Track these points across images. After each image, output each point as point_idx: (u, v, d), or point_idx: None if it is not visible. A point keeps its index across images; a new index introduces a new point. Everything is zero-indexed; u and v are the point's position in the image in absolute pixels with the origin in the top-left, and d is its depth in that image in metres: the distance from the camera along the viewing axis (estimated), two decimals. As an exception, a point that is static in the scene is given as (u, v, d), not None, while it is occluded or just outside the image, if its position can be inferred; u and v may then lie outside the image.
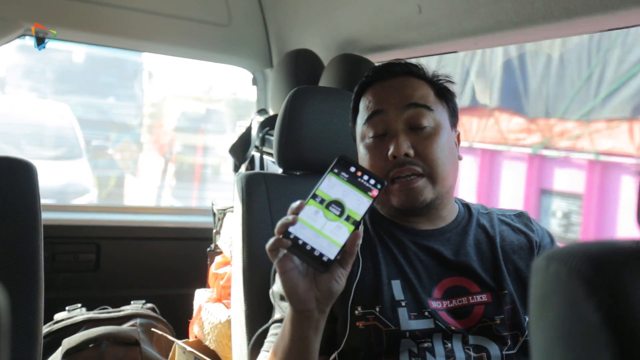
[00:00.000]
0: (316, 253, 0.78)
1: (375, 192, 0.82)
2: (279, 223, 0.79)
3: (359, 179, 0.83)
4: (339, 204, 0.81)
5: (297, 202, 0.80)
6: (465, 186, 4.54)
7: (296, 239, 0.78)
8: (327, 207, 0.81)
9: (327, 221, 0.80)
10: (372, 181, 0.83)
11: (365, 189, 0.83)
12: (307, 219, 0.79)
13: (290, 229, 0.78)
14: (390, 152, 0.99)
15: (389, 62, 1.09)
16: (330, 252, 0.78)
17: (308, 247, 0.78)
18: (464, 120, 4.32)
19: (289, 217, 0.79)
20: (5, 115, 5.40)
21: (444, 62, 4.06)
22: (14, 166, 1.19)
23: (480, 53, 4.38)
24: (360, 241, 0.80)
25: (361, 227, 1.04)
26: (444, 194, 1.02)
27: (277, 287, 1.00)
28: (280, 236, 0.78)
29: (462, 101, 4.53)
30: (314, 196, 0.81)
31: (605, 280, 0.37)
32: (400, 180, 0.99)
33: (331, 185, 0.82)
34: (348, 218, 0.80)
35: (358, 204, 0.81)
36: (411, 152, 0.99)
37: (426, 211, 1.02)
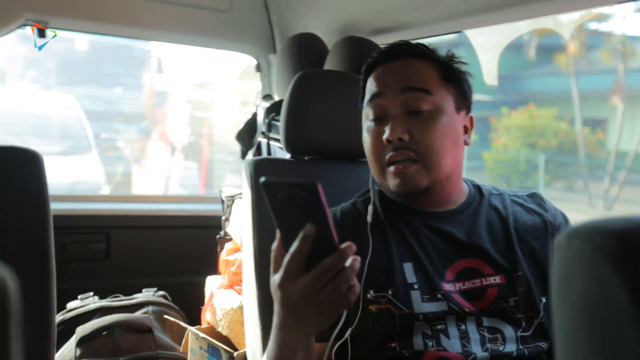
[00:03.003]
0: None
1: None
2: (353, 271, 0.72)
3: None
4: None
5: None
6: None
7: None
8: None
9: None
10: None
11: None
12: None
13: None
14: (385, 137, 0.99)
15: (394, 43, 1.08)
16: None
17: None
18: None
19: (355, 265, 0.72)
20: (8, 108, 5.18)
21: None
22: (20, 156, 1.19)
23: None
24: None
25: (370, 210, 1.04)
26: (443, 180, 1.00)
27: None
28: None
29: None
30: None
31: (631, 256, 0.36)
32: (395, 165, 0.99)
33: None
34: None
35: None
36: (406, 136, 0.98)
37: (424, 196, 1.01)
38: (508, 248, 0.99)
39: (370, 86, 1.05)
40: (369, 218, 1.03)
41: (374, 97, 1.03)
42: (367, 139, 1.05)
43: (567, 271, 0.40)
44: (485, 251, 0.99)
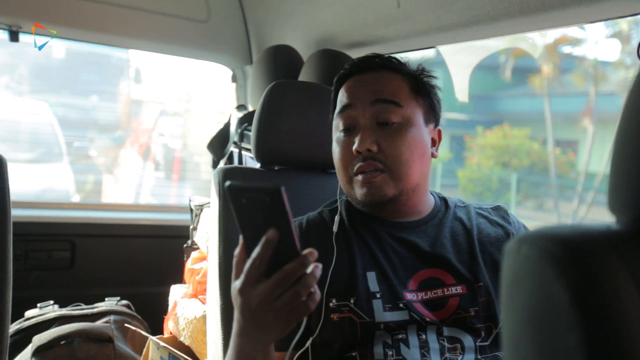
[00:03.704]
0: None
1: None
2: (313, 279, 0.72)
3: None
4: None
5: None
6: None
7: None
8: None
9: None
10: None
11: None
12: None
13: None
14: (354, 147, 1.00)
15: (365, 55, 1.09)
16: None
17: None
18: None
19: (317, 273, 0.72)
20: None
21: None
22: None
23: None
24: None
25: (336, 220, 1.04)
26: (409, 190, 1.01)
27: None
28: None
29: None
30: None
31: (574, 261, 0.37)
32: (363, 175, 1.00)
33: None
34: None
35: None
36: (374, 147, 0.99)
37: (390, 206, 1.02)
38: (471, 258, 1.00)
39: (342, 97, 1.06)
40: (335, 228, 1.03)
41: (344, 108, 1.04)
42: (336, 149, 1.05)
43: (516, 276, 0.40)
44: (448, 261, 0.99)
